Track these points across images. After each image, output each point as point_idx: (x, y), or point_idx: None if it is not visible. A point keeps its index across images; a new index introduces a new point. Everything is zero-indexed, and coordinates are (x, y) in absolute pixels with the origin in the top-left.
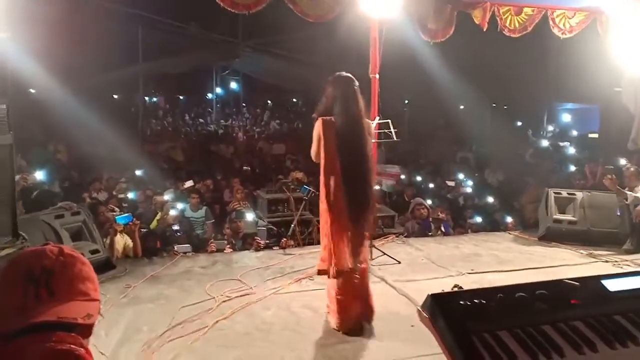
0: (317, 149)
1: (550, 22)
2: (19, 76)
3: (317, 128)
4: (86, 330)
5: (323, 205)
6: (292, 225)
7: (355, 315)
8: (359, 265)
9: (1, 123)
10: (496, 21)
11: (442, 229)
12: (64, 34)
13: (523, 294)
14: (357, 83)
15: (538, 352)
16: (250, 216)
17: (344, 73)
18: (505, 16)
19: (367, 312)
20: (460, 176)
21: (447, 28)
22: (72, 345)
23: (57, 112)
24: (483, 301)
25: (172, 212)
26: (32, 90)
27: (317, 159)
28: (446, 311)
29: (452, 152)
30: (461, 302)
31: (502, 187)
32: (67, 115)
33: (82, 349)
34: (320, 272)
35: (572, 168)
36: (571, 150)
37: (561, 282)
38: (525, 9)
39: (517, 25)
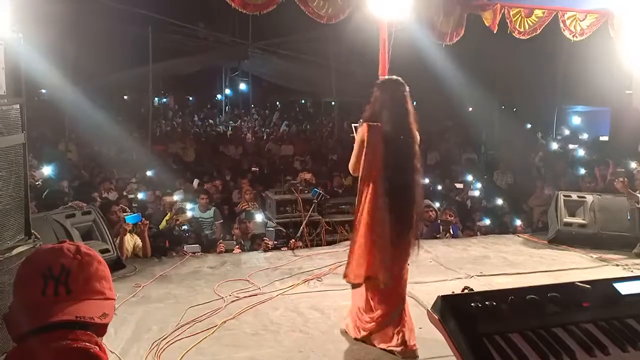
0: (357, 157)
1: (561, 25)
2: (30, 76)
3: (361, 133)
4: (101, 328)
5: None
6: (302, 227)
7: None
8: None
9: (15, 122)
10: (506, 23)
11: (451, 231)
12: (75, 34)
13: (534, 296)
14: (407, 88)
15: (549, 354)
16: (259, 217)
17: (393, 77)
18: (515, 18)
19: (398, 342)
20: (469, 178)
21: (457, 30)
22: (87, 343)
23: (68, 112)
24: (494, 303)
25: (189, 214)
26: (43, 91)
27: (357, 171)
28: (457, 313)
29: (459, 153)
30: (472, 304)
31: (512, 190)
32: (77, 116)
33: (96, 347)
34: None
35: (582, 171)
36: (581, 153)
37: (573, 285)
38: (535, 11)
39: (527, 27)
